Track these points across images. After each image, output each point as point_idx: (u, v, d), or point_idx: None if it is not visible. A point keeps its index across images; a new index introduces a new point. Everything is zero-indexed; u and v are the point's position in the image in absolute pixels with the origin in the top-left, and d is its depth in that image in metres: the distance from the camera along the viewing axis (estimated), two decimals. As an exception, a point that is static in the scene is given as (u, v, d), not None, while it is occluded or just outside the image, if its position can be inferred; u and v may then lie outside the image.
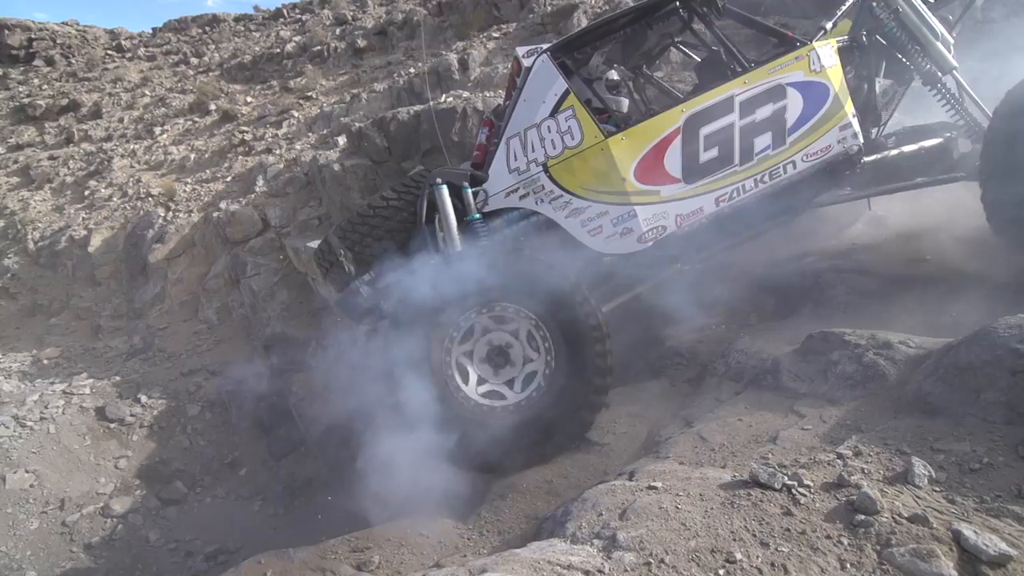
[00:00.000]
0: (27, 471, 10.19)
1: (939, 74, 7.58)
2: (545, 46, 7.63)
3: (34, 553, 9.28)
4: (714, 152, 7.05)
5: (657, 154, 7.07)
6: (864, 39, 7.64)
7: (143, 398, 12.11)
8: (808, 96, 7.09)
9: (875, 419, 4.94)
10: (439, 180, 7.36)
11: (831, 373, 5.89)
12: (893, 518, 3.51)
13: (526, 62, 7.78)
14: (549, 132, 7.27)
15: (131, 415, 11.69)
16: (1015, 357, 4.48)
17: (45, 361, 14.36)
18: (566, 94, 7.21)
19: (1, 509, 9.64)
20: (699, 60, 9.02)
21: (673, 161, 7.08)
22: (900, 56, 7.67)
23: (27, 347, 15.41)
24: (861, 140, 7.16)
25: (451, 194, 7.35)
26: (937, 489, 3.84)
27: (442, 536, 5.52)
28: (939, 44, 7.53)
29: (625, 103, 8.81)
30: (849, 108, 7.12)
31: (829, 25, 7.50)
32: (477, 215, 7.36)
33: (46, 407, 11.50)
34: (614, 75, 8.75)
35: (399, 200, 7.89)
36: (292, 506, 10.35)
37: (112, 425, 11.47)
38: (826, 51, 7.12)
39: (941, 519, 3.49)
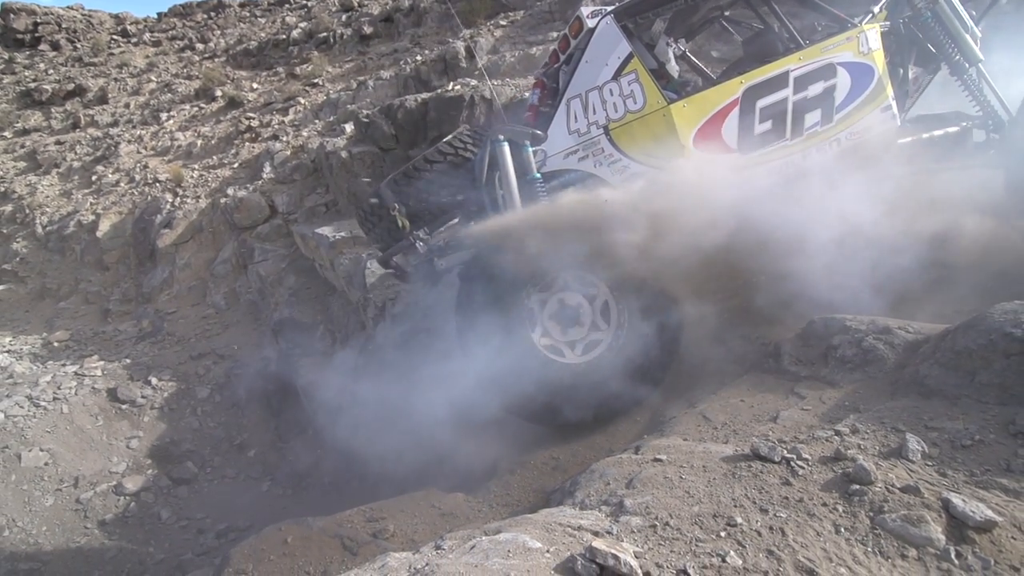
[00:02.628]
0: (42, 450, 10.46)
1: (966, 65, 7.77)
2: (609, 8, 7.73)
3: (49, 529, 9.54)
4: (768, 125, 7.23)
5: (715, 124, 7.23)
6: (901, 26, 7.83)
7: (153, 380, 12.36)
8: (855, 77, 7.29)
9: (873, 400, 5.15)
10: (501, 137, 7.44)
11: (831, 357, 6.10)
12: (886, 488, 3.74)
13: (589, 23, 7.66)
14: (611, 95, 7.36)
15: (142, 397, 11.95)
16: (1009, 341, 4.69)
17: (55, 344, 14.60)
18: (629, 57, 7.30)
19: (17, 486, 9.90)
20: (745, 35, 9.15)
21: (730, 131, 7.24)
22: (931, 46, 7.87)
23: (37, 330, 15.67)
24: (899, 123, 7.38)
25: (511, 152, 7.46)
26: (930, 463, 4.06)
27: (453, 507, 5.77)
28: (968, 36, 7.73)
29: (677, 71, 8.95)
30: (890, 91, 7.32)
31: (876, 9, 7.68)
32: (538, 175, 7.49)
33: (59, 388, 11.76)
34: (671, 42, 8.86)
35: (456, 156, 7.95)
36: (300, 487, 10.59)
37: (124, 406, 11.72)
38: (873, 34, 7.31)
39: (932, 490, 3.71)
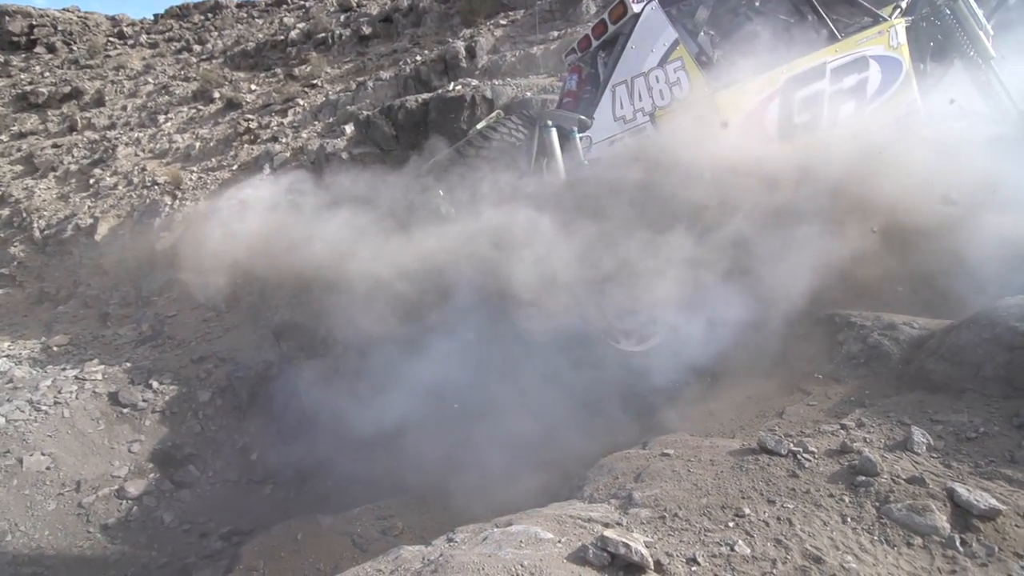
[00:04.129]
0: (43, 454, 10.52)
1: (979, 61, 7.90)
2: None
3: (52, 533, 9.62)
4: (806, 116, 7.36)
5: (758, 112, 7.36)
6: (922, 22, 7.96)
7: (154, 384, 12.41)
8: (886, 70, 7.43)
9: (878, 395, 5.26)
10: (549, 123, 7.52)
11: (836, 353, 6.22)
12: (892, 479, 3.85)
13: (635, 7, 7.79)
14: (657, 82, 7.46)
15: (143, 400, 12.00)
16: (1013, 335, 4.80)
17: (55, 348, 14.68)
18: (675, 44, 7.40)
19: (19, 491, 9.98)
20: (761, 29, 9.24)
21: (771, 121, 7.37)
22: (947, 41, 8.01)
23: (35, 334, 15.74)
24: (923, 116, 7.52)
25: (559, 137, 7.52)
26: (935, 455, 4.16)
27: (463, 506, 5.87)
28: (982, 34, 7.87)
29: (716, 59, 9.05)
30: (915, 84, 7.47)
31: (904, 3, 7.81)
32: (585, 162, 7.55)
33: (59, 392, 11.83)
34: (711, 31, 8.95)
35: (501, 141, 7.99)
36: (304, 489, 10.67)
37: (125, 410, 11.79)
38: (901, 29, 7.45)
39: (937, 480, 3.82)
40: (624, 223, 6.89)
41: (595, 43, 8.18)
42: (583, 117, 7.75)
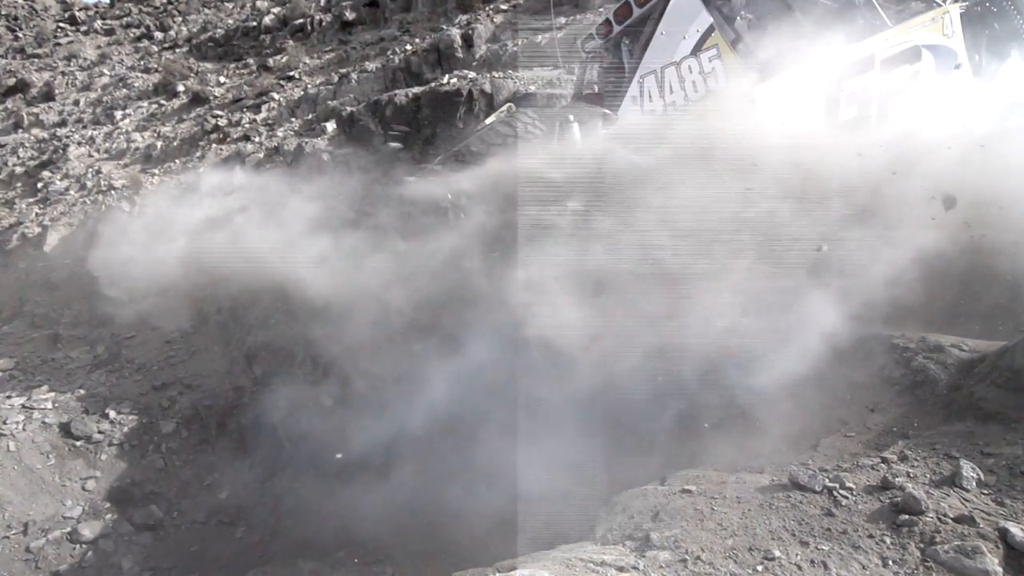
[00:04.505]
0: None
1: None
2: None
3: (-4, 581, 9.68)
4: (854, 110, 7.44)
5: (802, 107, 7.44)
6: (978, 9, 8.06)
7: (111, 414, 12.44)
8: (939, 60, 7.52)
9: (923, 425, 5.34)
10: (571, 118, 7.62)
11: (877, 379, 6.28)
12: (938, 518, 3.93)
13: None
14: (690, 72, 7.54)
15: (99, 432, 12.03)
16: (1075, 358, 4.88)
17: (-1, 373, 14.73)
18: (710, 30, 7.48)
19: (-42, 533, 10.03)
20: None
21: (817, 116, 7.46)
22: (1004, 30, 8.11)
23: (-25, 358, 15.77)
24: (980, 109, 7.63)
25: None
26: (986, 492, 4.24)
27: (462, 548, 5.93)
28: None
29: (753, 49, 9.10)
30: (971, 74, 7.57)
31: None
32: None
33: (4, 423, 11.82)
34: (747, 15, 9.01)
35: (515, 137, 8.09)
36: (279, 531, 10.69)
37: (78, 443, 11.80)
38: (956, 16, 7.53)
39: (988, 519, 3.91)
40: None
41: (617, 28, 8.27)
42: (606, 111, 7.85)
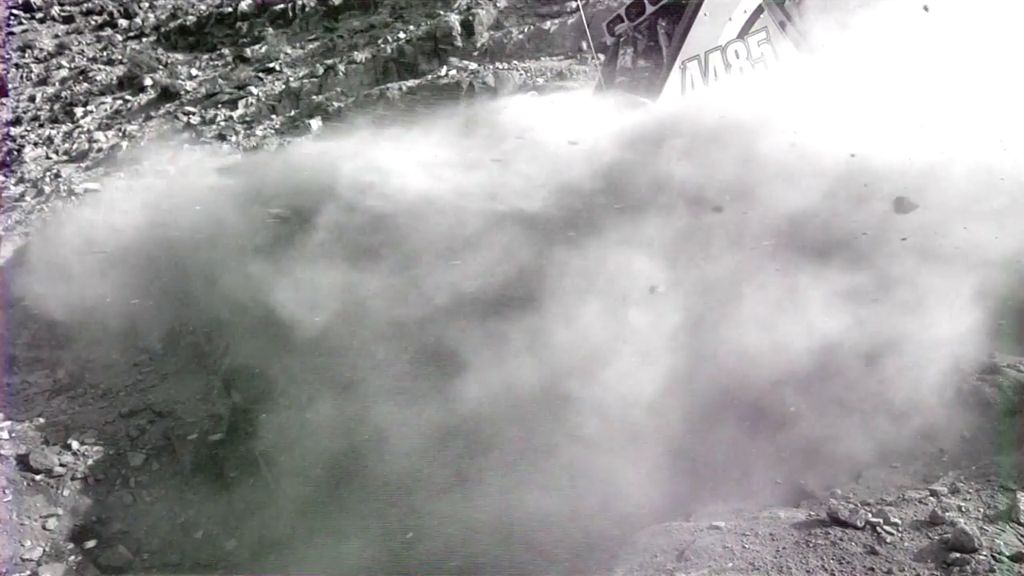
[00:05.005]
0: None
1: None
2: None
3: (-53, 630, 9.71)
4: None
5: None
6: None
7: (74, 444, 12.48)
8: None
9: (976, 454, 5.39)
10: None
11: (927, 402, 6.32)
12: (992, 556, 4.00)
13: None
14: (737, 57, 7.64)
15: (60, 465, 12.06)
16: None
17: (-52, 400, 14.75)
18: (758, 12, 7.57)
19: (-94, 576, 10.07)
20: None
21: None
22: None
23: (-78, 383, 15.80)
24: None
25: None
26: (1045, 527, 4.30)
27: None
28: None
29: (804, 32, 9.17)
30: None
31: None
32: None
33: None
34: None
35: None
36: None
37: (38, 477, 11.84)
38: None
39: (1048, 557, 3.96)
40: None
41: (651, 8, 8.34)
42: (644, 100, 7.96)
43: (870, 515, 4.42)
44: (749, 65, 7.62)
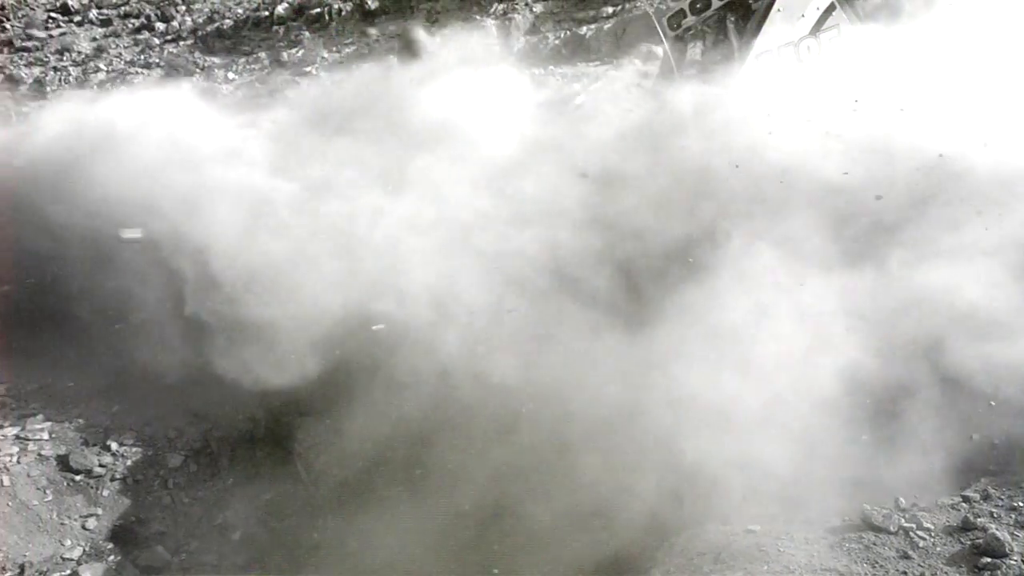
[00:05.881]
0: None
1: None
2: None
3: (-10, 628, 9.87)
4: None
5: None
6: None
7: (113, 445, 12.64)
8: None
9: (1010, 459, 5.44)
10: None
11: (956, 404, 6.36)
12: (1023, 561, 4.08)
13: None
14: (809, 54, 7.74)
15: (100, 465, 12.26)
16: None
17: (-12, 400, 14.86)
18: (831, 9, 7.67)
19: (-51, 575, 10.23)
20: None
21: None
22: None
23: (-39, 382, 15.91)
24: None
25: None
26: (1078, 534, 4.38)
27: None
28: None
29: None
30: None
31: None
32: None
33: None
34: None
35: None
36: (298, 576, 10.82)
37: (78, 477, 12.01)
38: None
39: (1081, 563, 4.04)
40: None
41: (718, 3, 8.44)
42: (717, 92, 8.10)
43: (903, 520, 4.52)
44: (821, 61, 7.72)
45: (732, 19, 8.69)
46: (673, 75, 10.33)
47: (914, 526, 4.47)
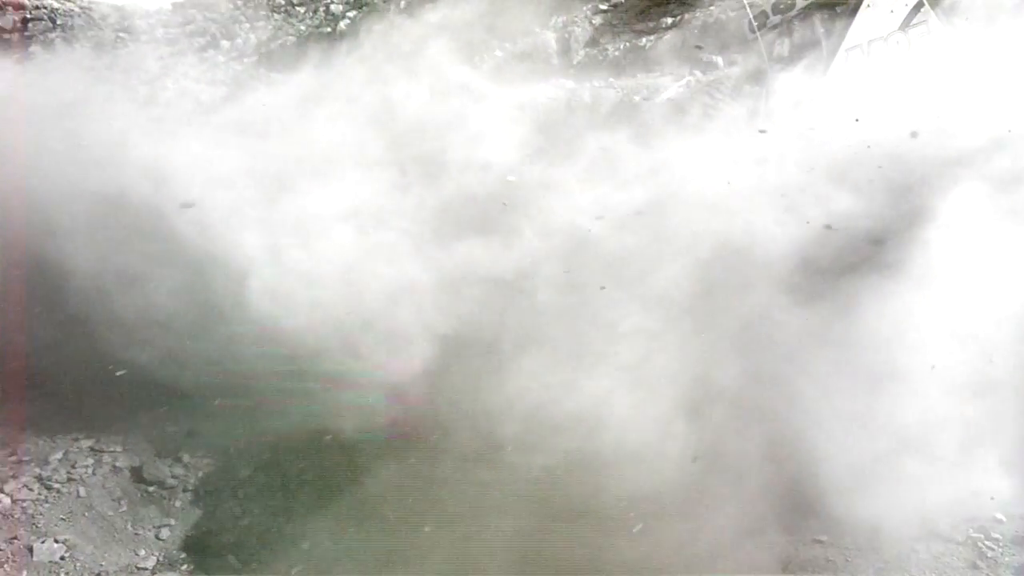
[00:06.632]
0: (57, 540, 11.00)
1: None
2: None
3: (68, 635, 10.06)
4: None
5: None
6: None
7: (185, 457, 12.88)
8: None
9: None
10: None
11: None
12: (1091, 571, 4.07)
13: None
14: (898, 48, 7.77)
15: (172, 477, 12.52)
16: None
17: (63, 413, 15.05)
18: (920, 4, 7.70)
19: (29, 585, 10.45)
20: None
21: None
22: None
23: (38, 395, 16.13)
24: None
25: None
26: None
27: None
28: None
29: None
30: None
31: None
32: None
33: (73, 467, 12.32)
34: None
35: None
36: (368, 586, 10.91)
37: (151, 488, 12.28)
38: None
39: None
40: None
41: (801, 3, 8.50)
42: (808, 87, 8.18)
43: (971, 530, 4.52)
44: (910, 57, 7.71)
45: (819, 16, 8.73)
46: (765, 73, 10.39)
47: (982, 536, 4.46)
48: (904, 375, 8.07)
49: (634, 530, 8.56)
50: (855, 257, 10.08)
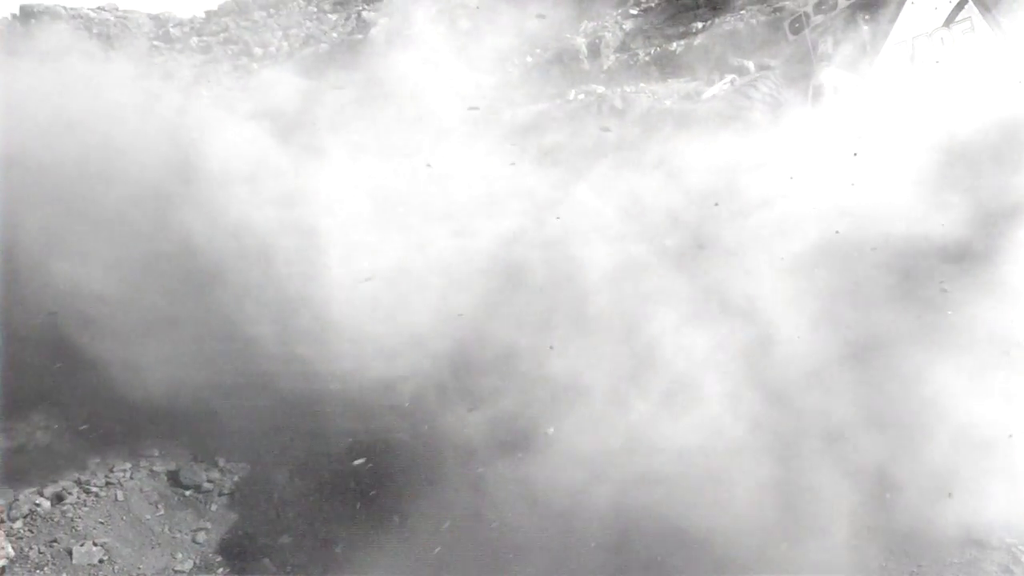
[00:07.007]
0: (95, 544, 11.10)
1: None
2: None
3: (107, 637, 10.16)
4: None
5: None
6: None
7: (221, 461, 12.99)
8: None
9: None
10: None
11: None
12: None
13: None
14: (942, 45, 7.80)
15: (208, 481, 12.62)
16: None
17: (100, 415, 15.17)
18: (964, 1, 7.71)
19: (68, 587, 10.56)
20: None
21: None
22: None
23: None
24: None
25: None
26: None
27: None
28: None
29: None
30: None
31: None
32: None
33: (111, 471, 12.41)
34: None
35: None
36: (402, 590, 10.96)
37: (187, 492, 12.39)
38: None
39: None
40: None
41: (844, 3, 8.53)
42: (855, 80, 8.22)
43: (1006, 536, 4.51)
44: (955, 53, 7.72)
45: (864, 16, 8.75)
46: (811, 70, 10.41)
47: (1017, 541, 4.44)
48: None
49: None
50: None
